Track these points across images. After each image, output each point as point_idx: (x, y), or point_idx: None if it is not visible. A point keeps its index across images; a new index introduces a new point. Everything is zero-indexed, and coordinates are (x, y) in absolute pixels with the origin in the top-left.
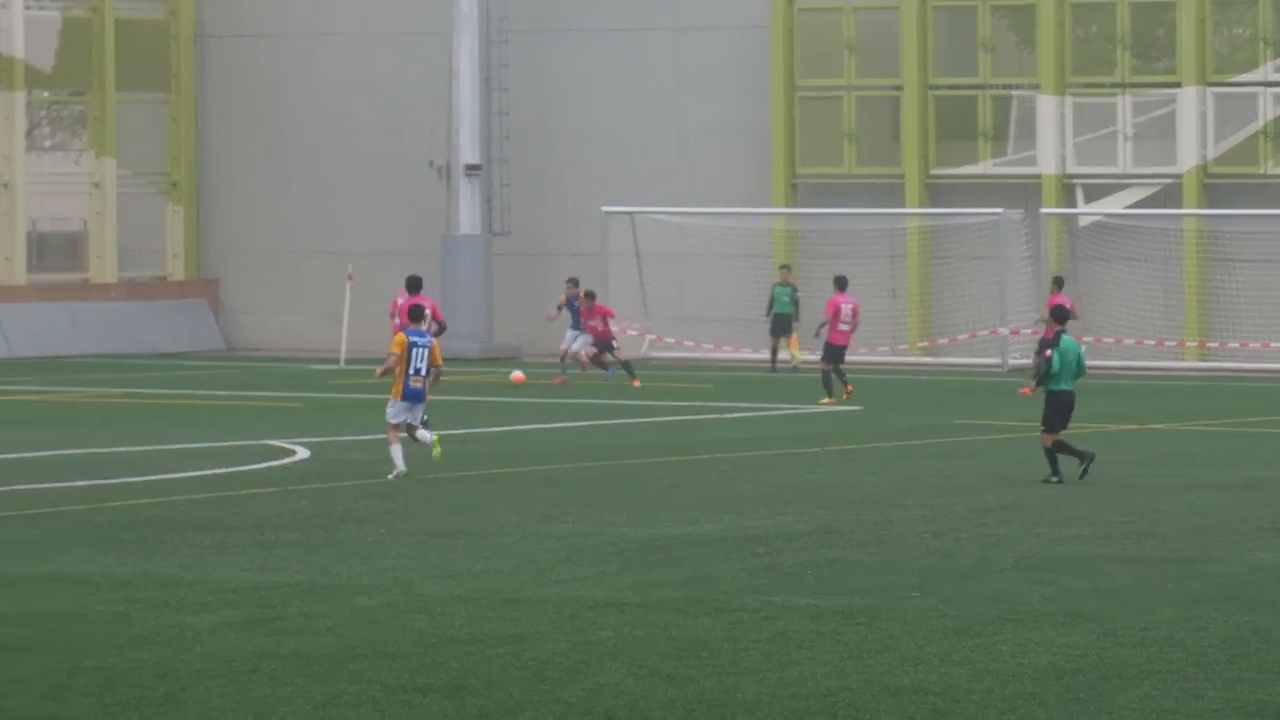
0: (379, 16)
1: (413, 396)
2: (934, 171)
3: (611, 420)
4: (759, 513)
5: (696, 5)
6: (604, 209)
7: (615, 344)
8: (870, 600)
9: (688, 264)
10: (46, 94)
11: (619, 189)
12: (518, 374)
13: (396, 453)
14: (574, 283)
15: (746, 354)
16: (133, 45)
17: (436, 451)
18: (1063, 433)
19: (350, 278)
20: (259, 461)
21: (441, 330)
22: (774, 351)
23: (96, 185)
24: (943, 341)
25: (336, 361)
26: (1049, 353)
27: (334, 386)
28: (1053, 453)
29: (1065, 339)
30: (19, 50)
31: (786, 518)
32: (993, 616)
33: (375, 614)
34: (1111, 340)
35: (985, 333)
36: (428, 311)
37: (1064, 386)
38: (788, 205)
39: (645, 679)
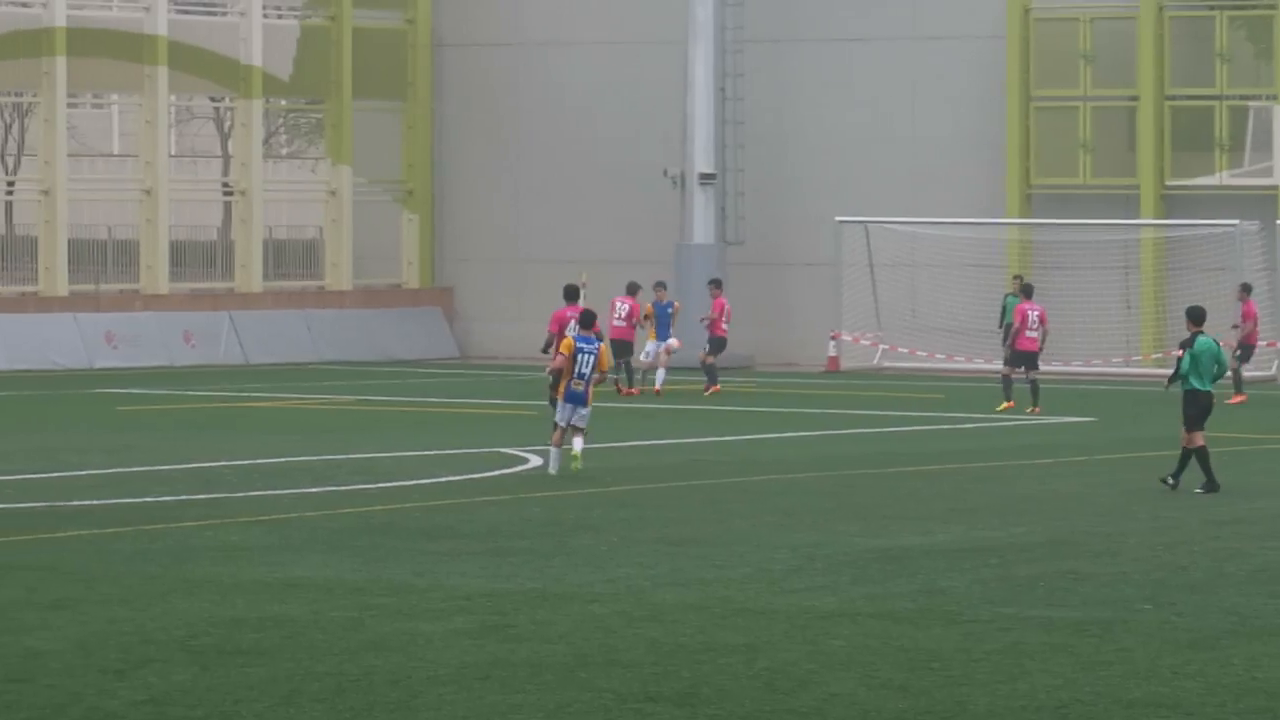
0: (615, 26)
1: (572, 399)
2: (1169, 182)
3: (844, 430)
4: (992, 523)
5: (933, 15)
6: (838, 218)
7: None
8: (1103, 612)
9: (920, 274)
10: (284, 102)
11: (853, 198)
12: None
13: (553, 455)
14: (663, 286)
15: (979, 365)
16: (370, 54)
17: (576, 465)
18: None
19: (584, 285)
20: (492, 469)
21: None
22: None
23: (332, 193)
24: (1177, 353)
25: None
26: (1180, 352)
27: None
28: (1189, 455)
29: (1200, 340)
30: (257, 58)
31: (1019, 529)
32: (1226, 630)
33: (607, 622)
34: None
35: (1219, 345)
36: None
37: (1200, 386)
38: (1022, 216)
39: (877, 689)
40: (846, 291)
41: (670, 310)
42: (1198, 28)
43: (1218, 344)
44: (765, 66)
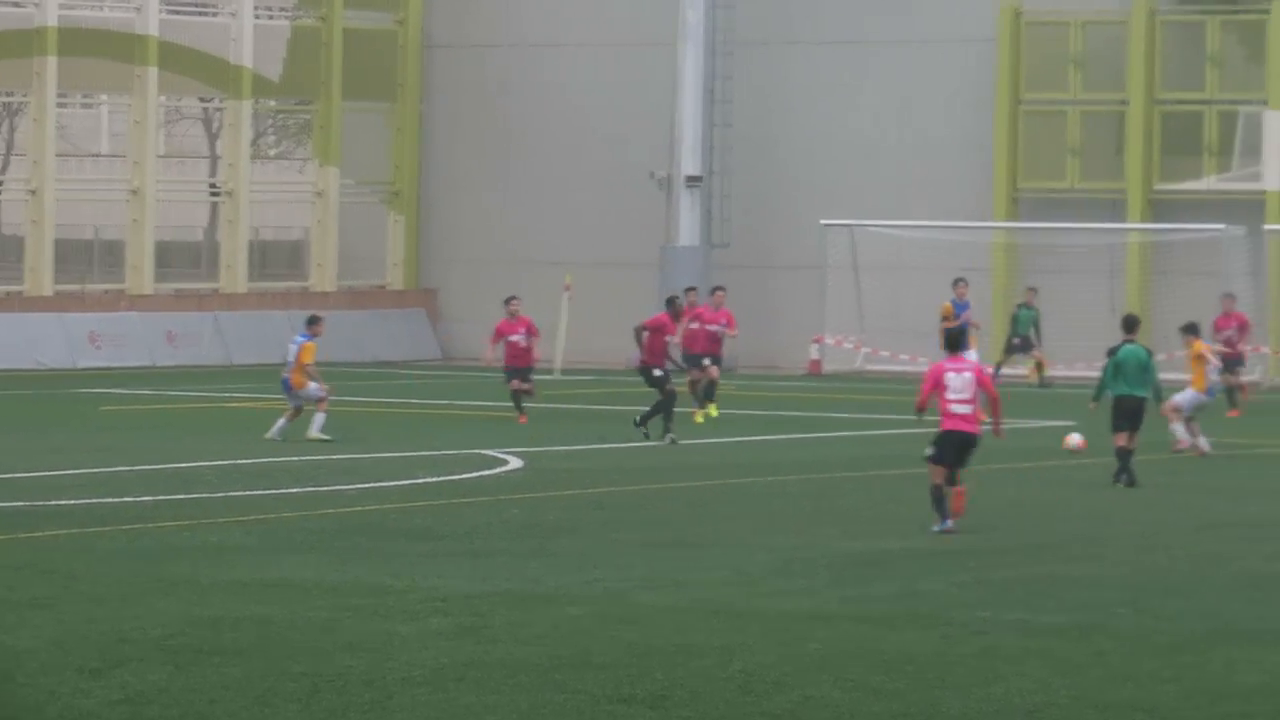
0: (605, 28)
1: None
2: (1157, 187)
3: (825, 433)
4: (971, 527)
5: (923, 19)
6: (822, 222)
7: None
8: (1080, 616)
9: (906, 277)
10: (273, 103)
11: (840, 201)
12: (1077, 439)
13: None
14: (964, 281)
15: None
16: (359, 55)
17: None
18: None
19: (568, 288)
20: (472, 471)
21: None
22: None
23: (319, 194)
24: (1160, 357)
25: (552, 372)
26: (1106, 360)
27: (549, 396)
28: (1125, 455)
29: (1125, 348)
30: (247, 59)
31: (998, 532)
32: (1204, 634)
33: (583, 624)
34: None
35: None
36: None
37: (1125, 391)
38: (1009, 219)
39: (852, 692)
40: (830, 295)
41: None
42: (1188, 32)
43: (1148, 352)
44: (754, 69)
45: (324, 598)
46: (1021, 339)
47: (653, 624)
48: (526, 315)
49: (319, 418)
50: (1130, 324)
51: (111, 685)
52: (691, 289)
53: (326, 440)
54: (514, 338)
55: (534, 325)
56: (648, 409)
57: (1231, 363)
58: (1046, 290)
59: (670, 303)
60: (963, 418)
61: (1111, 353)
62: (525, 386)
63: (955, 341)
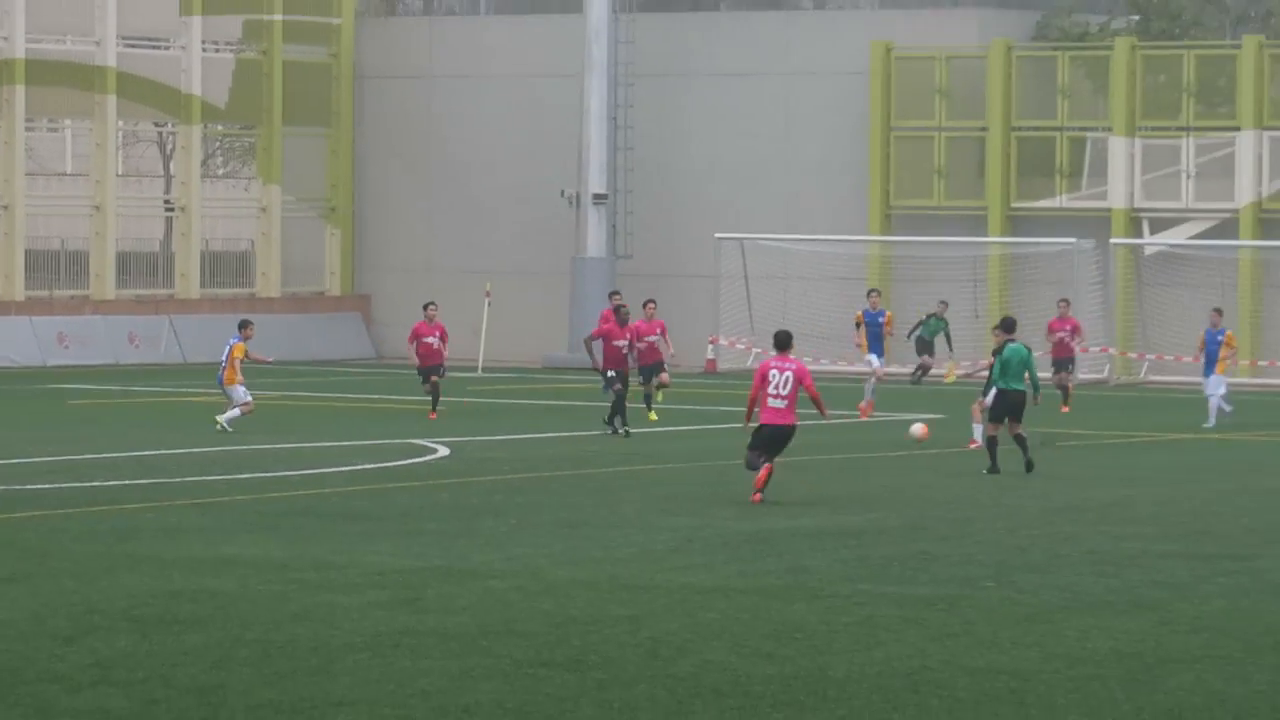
0: (519, 61)
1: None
2: (1014, 205)
3: (720, 425)
4: (853, 509)
5: (804, 53)
6: (716, 235)
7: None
8: (950, 589)
9: (791, 285)
10: (220, 127)
11: (731, 218)
12: (919, 429)
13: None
14: (877, 293)
15: (842, 366)
16: (298, 84)
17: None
18: (1008, 437)
19: (489, 295)
20: (404, 459)
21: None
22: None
23: (263, 210)
24: (987, 361)
25: (475, 369)
26: (991, 360)
27: (472, 392)
28: (993, 445)
29: (1009, 347)
30: (196, 88)
31: (876, 514)
32: (1061, 605)
33: (506, 596)
34: (1171, 358)
35: (1029, 350)
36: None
37: (1009, 386)
38: (883, 234)
39: (747, 657)
40: (724, 301)
41: (882, 320)
42: (1041, 66)
43: (1028, 350)
44: (654, 98)
45: (273, 573)
46: (919, 341)
47: (569, 596)
48: (441, 321)
49: (235, 411)
50: (1009, 325)
51: (83, 651)
52: (616, 293)
53: (226, 431)
54: (428, 339)
55: (445, 330)
56: (610, 412)
57: (1063, 361)
58: (916, 298)
59: (617, 311)
60: (777, 411)
61: (997, 352)
62: (434, 377)
63: (780, 343)
